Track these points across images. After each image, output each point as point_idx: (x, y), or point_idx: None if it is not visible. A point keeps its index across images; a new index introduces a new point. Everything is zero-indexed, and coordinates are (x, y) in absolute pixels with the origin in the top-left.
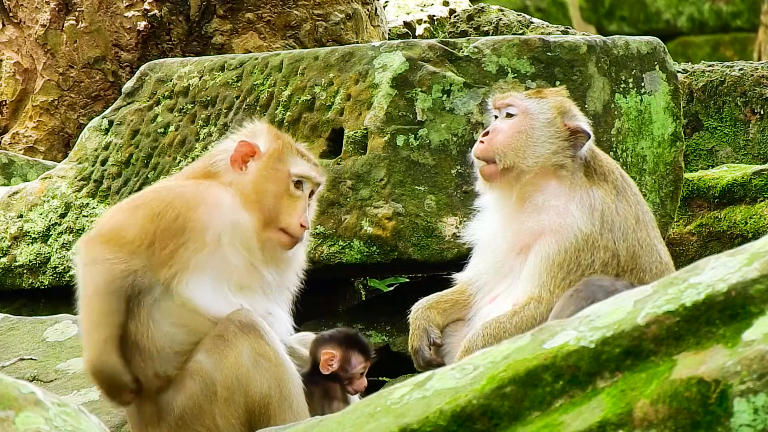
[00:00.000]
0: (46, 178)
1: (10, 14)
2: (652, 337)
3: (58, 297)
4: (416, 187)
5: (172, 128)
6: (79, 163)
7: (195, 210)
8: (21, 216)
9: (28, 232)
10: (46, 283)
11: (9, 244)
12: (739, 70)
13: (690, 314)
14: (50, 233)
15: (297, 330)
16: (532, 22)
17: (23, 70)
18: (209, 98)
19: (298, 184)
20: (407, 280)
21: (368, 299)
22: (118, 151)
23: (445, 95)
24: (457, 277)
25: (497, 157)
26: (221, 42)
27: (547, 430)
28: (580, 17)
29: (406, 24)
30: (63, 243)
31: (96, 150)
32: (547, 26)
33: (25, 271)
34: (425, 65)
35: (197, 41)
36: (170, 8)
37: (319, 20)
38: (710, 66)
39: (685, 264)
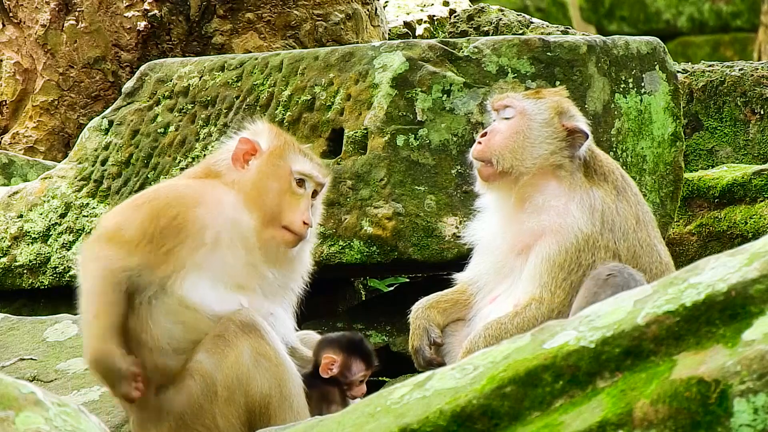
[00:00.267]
0: (46, 178)
1: (10, 14)
2: (652, 337)
3: (58, 297)
4: (416, 187)
5: (172, 128)
6: (79, 163)
7: (194, 209)
8: (21, 216)
9: (28, 232)
10: (46, 283)
11: (9, 244)
12: (739, 70)
13: (690, 314)
14: (50, 233)
15: (297, 330)
16: (532, 22)
17: (23, 70)
18: (209, 98)
19: (300, 182)
20: (407, 280)
21: (368, 299)
22: (118, 151)
23: (445, 95)
24: (457, 277)
25: (494, 158)
26: (221, 42)
27: (547, 430)
28: (580, 17)
29: (406, 24)
30: (63, 243)
31: (96, 150)
32: (547, 26)
33: (25, 271)
34: (425, 65)
35: (197, 41)
36: (170, 8)
37: (319, 20)
38: (710, 66)
39: (685, 264)
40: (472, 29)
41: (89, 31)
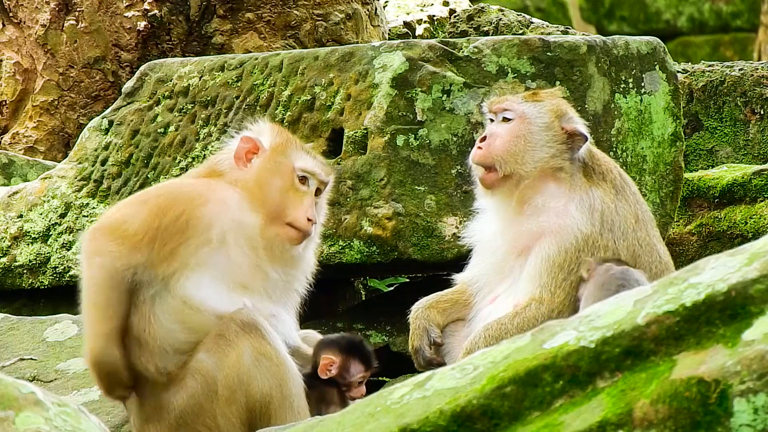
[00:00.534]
0: (46, 178)
1: (10, 14)
2: (652, 337)
3: (58, 297)
4: (416, 187)
5: (172, 128)
6: (79, 163)
7: (200, 207)
8: (21, 216)
9: (28, 232)
10: (46, 283)
11: (9, 244)
12: (739, 70)
13: (690, 314)
14: (50, 233)
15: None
16: (532, 22)
17: (23, 70)
18: (209, 98)
19: (303, 179)
20: (407, 280)
21: (368, 299)
22: (118, 151)
23: (445, 95)
24: (457, 277)
25: (497, 163)
26: (221, 42)
27: (547, 430)
28: (580, 17)
29: (406, 24)
30: (63, 243)
31: (96, 150)
32: (547, 26)
33: (25, 271)
34: (425, 65)
35: (197, 41)
36: (170, 8)
37: (319, 20)
38: (710, 66)
39: (685, 264)
40: (472, 29)
41: (89, 31)
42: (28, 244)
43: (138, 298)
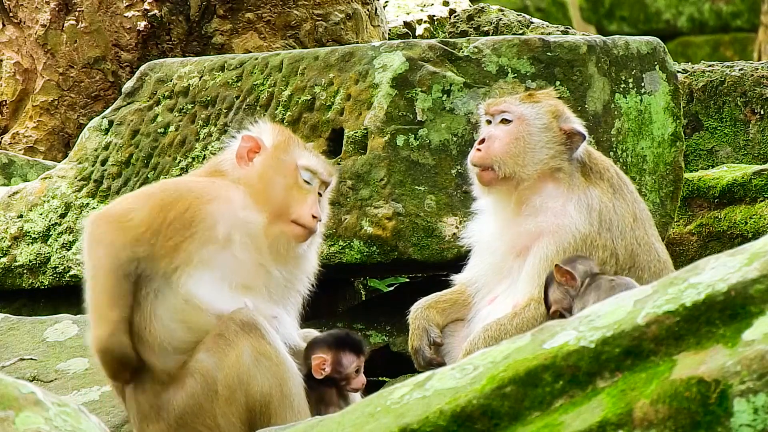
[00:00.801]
0: (46, 178)
1: (10, 14)
2: (652, 337)
3: (58, 297)
4: (416, 187)
5: (172, 128)
6: (79, 163)
7: (206, 205)
8: (21, 216)
9: (28, 232)
10: (46, 283)
11: (9, 244)
12: (739, 70)
13: (690, 314)
14: (50, 233)
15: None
16: (532, 22)
17: (23, 70)
18: (209, 98)
19: (306, 177)
20: (407, 280)
21: (368, 299)
22: (118, 151)
23: (445, 95)
24: (456, 278)
25: (496, 165)
26: (221, 42)
27: (547, 430)
28: (580, 17)
29: (406, 24)
30: (63, 243)
31: (96, 150)
32: (547, 26)
33: (25, 271)
34: (425, 65)
35: (197, 41)
36: (170, 8)
37: (319, 20)
38: (710, 66)
39: (685, 264)
40: (472, 29)
41: (89, 31)
42: (28, 244)
43: (140, 294)
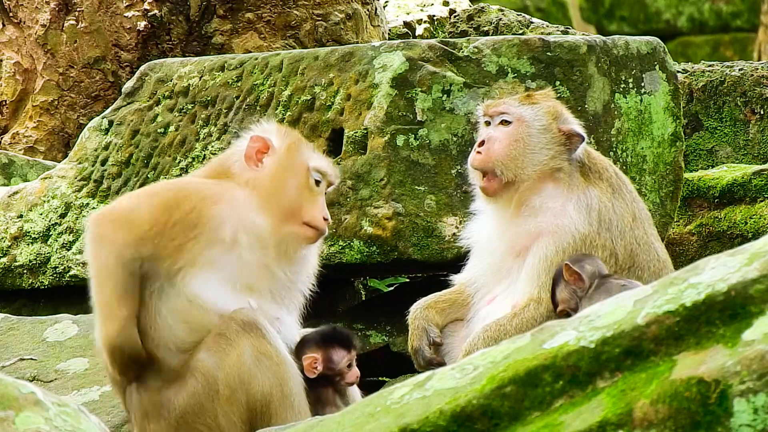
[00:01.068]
0: (46, 178)
1: (10, 14)
2: (652, 337)
3: (58, 297)
4: (416, 187)
5: (172, 128)
6: (79, 163)
7: (212, 205)
8: (21, 216)
9: (28, 232)
10: (46, 283)
11: (9, 244)
12: (739, 70)
13: (690, 314)
14: (50, 233)
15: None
16: (532, 22)
17: (23, 70)
18: (209, 98)
19: (316, 179)
20: (407, 280)
21: (368, 299)
22: (118, 151)
23: (445, 95)
24: (455, 278)
25: (497, 168)
26: (221, 42)
27: (547, 430)
28: (580, 17)
29: (406, 24)
30: (63, 243)
31: (96, 150)
32: (547, 26)
33: (25, 271)
34: (425, 65)
35: (197, 41)
36: (170, 8)
37: (319, 20)
38: (710, 66)
39: (685, 264)
40: (472, 29)
41: (89, 31)
42: (28, 244)
43: (145, 292)
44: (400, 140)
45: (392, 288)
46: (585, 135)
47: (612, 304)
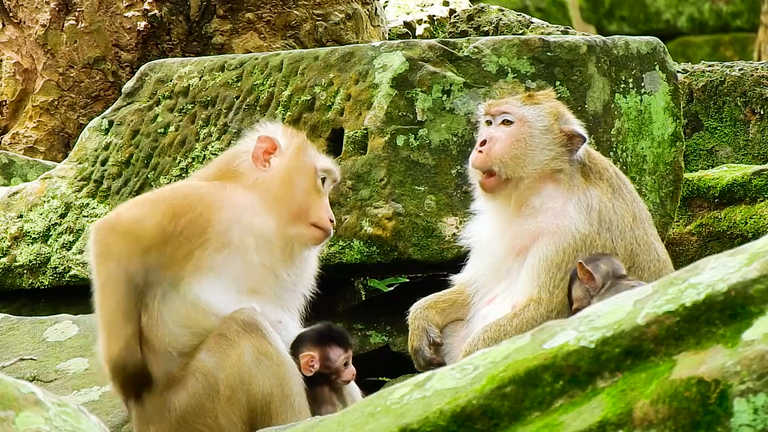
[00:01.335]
0: (46, 178)
1: (10, 14)
2: (652, 337)
3: (58, 297)
4: (416, 187)
5: (172, 128)
6: (79, 163)
7: (218, 211)
8: (21, 216)
9: (28, 232)
10: (46, 283)
11: (9, 244)
12: (739, 70)
13: (690, 314)
14: (50, 233)
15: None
16: (532, 22)
17: (23, 70)
18: (209, 98)
19: (322, 179)
20: (407, 280)
21: (368, 299)
22: (118, 151)
23: (445, 95)
24: (455, 278)
25: (497, 167)
26: (221, 42)
27: (547, 430)
28: (580, 17)
29: (406, 24)
30: (63, 243)
31: (96, 150)
32: (547, 26)
33: (25, 271)
34: (425, 65)
35: (197, 41)
36: (170, 8)
37: (319, 20)
38: (710, 66)
39: (685, 264)
40: (472, 29)
41: (89, 31)
42: (28, 244)
43: (147, 298)
44: (400, 140)
45: (392, 288)
46: (586, 136)
47: (612, 304)
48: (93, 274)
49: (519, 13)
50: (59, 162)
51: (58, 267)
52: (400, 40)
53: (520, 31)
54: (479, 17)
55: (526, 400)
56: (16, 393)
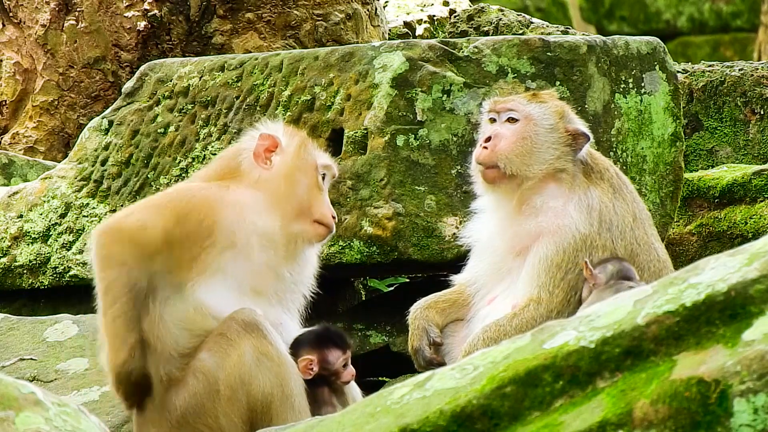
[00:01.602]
0: (46, 178)
1: (10, 14)
2: (652, 337)
3: (58, 297)
4: (416, 187)
5: (172, 128)
6: (79, 163)
7: (222, 212)
8: (21, 216)
9: (28, 232)
10: (46, 283)
11: (9, 244)
12: (739, 70)
13: (690, 314)
14: (50, 233)
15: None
16: (532, 22)
17: (23, 70)
18: (209, 98)
19: (323, 176)
20: (407, 280)
21: (368, 299)
22: (118, 151)
23: (445, 95)
24: (455, 278)
25: (502, 163)
26: (221, 42)
27: (547, 430)
28: (580, 17)
29: (406, 24)
30: (63, 243)
31: (96, 150)
32: (547, 26)
33: (25, 271)
34: (425, 65)
35: (197, 41)
36: (170, 8)
37: (319, 20)
38: (710, 66)
39: (685, 264)
40: (472, 29)
41: (89, 31)
42: (28, 244)
43: (148, 301)
44: (400, 140)
45: (392, 288)
46: (590, 135)
47: (612, 304)
48: (96, 280)
49: (519, 13)
50: (59, 162)
51: (58, 267)
52: (400, 40)
53: (520, 31)
54: (479, 17)
55: (526, 400)
56: (16, 393)
